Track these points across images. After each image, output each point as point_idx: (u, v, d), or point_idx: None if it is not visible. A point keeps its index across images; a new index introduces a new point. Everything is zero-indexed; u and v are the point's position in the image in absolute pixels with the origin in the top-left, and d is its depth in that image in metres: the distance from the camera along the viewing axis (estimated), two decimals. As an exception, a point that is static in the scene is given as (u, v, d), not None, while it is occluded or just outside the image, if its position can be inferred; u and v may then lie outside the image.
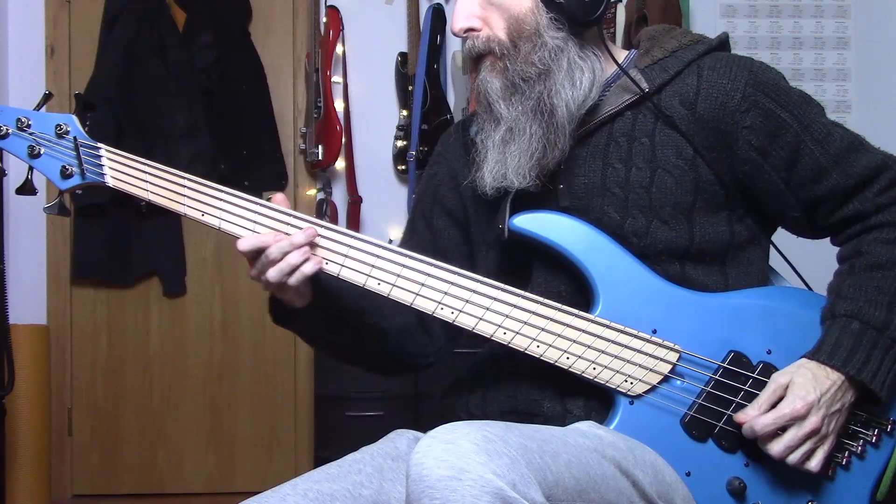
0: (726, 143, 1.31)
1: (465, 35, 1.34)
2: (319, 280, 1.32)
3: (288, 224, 1.28)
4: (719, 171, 1.31)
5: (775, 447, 1.23)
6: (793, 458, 1.23)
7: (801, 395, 1.23)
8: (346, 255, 1.29)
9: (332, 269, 1.29)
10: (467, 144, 1.45)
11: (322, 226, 1.30)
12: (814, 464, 1.24)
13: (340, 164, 3.66)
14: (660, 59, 1.35)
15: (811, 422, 1.23)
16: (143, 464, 3.65)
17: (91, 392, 3.64)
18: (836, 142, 1.32)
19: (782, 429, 1.23)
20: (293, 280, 1.26)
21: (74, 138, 1.31)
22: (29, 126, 1.31)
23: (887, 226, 1.32)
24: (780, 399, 1.24)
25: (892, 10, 3.83)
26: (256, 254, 1.26)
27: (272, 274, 1.25)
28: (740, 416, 1.25)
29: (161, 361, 3.68)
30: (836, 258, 1.37)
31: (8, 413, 2.81)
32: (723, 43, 1.38)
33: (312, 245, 1.27)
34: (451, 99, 3.66)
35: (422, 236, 1.52)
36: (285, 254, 1.25)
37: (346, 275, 1.29)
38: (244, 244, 1.26)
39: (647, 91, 1.32)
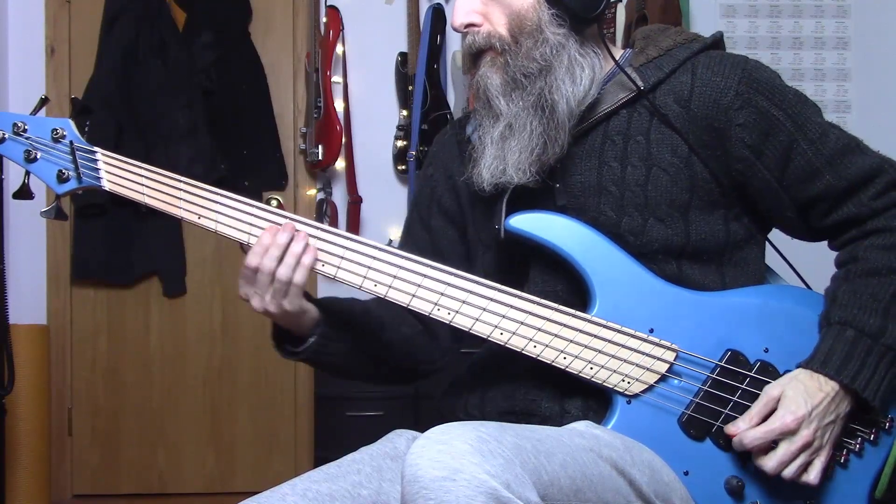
0: (720, 140, 1.31)
1: (465, 30, 1.33)
2: (321, 303, 1.34)
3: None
4: (714, 168, 1.31)
5: (768, 463, 1.22)
6: (787, 472, 1.22)
7: (791, 409, 1.22)
8: (342, 258, 1.29)
9: (328, 270, 1.29)
10: (462, 142, 1.45)
11: (319, 228, 1.30)
12: (812, 476, 1.23)
13: (340, 164, 3.66)
14: (654, 58, 1.35)
15: (803, 435, 1.21)
16: (143, 464, 3.65)
17: (91, 392, 3.65)
18: (830, 143, 1.31)
19: (775, 443, 1.22)
20: (299, 276, 1.26)
21: (70, 142, 1.31)
22: (25, 131, 1.31)
23: (884, 231, 1.30)
24: (772, 412, 1.23)
25: (892, 10, 3.83)
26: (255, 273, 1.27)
27: (282, 271, 1.26)
28: (730, 429, 1.24)
29: (161, 361, 3.68)
30: (833, 263, 1.36)
31: (8, 413, 2.82)
32: (717, 41, 1.37)
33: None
34: (451, 99, 3.66)
35: (419, 239, 1.51)
36: (282, 256, 1.26)
37: (343, 276, 1.29)
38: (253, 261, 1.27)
39: (643, 89, 1.32)
